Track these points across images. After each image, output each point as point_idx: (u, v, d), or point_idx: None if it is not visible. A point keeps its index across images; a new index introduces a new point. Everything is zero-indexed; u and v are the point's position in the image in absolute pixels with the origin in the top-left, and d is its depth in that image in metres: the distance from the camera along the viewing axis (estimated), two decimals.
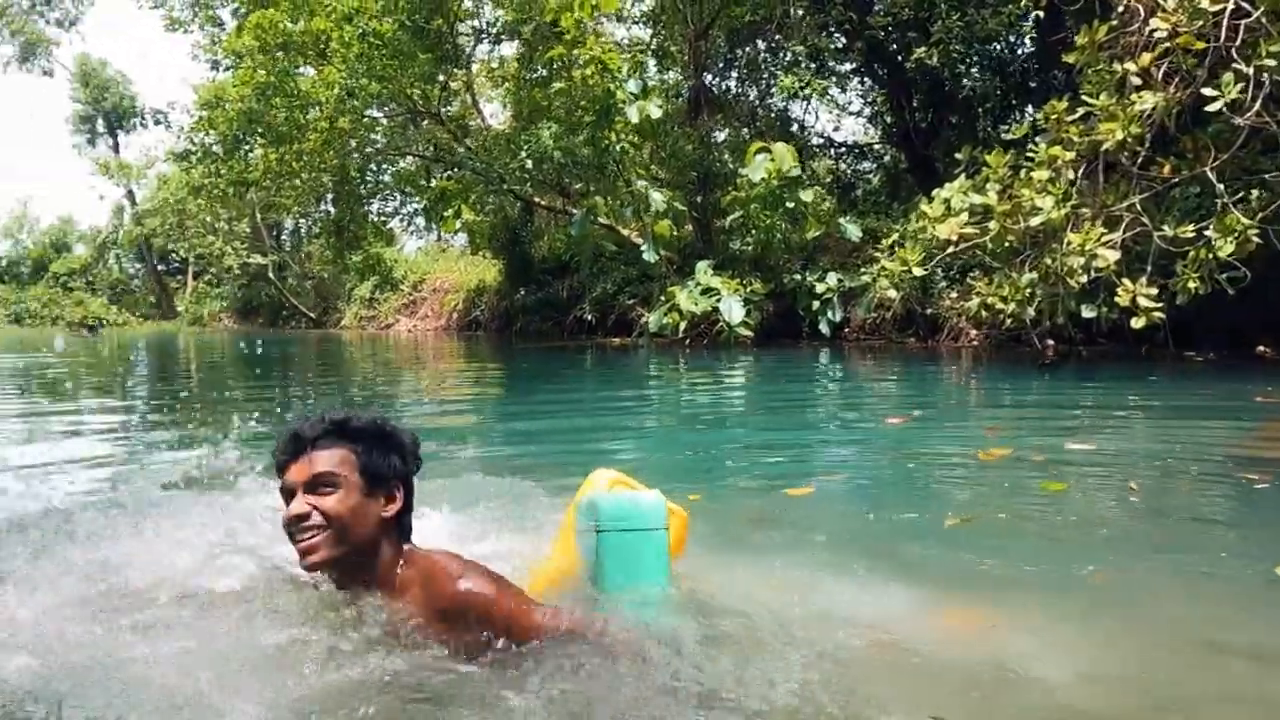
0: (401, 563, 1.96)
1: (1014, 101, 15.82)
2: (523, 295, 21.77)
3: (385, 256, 28.20)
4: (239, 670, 1.77)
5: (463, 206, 19.98)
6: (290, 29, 15.42)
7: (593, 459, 4.93)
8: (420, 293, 28.40)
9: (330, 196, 25.02)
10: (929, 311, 13.09)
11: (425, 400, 9.17)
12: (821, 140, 20.33)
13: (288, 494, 1.93)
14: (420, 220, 29.34)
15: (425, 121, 19.88)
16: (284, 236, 37.94)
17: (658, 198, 14.85)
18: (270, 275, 34.46)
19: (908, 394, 8.63)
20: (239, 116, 15.64)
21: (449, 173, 19.76)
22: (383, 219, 26.68)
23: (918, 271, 10.65)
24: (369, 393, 10.05)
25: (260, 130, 16.35)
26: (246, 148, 17.31)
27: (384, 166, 22.85)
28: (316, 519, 1.87)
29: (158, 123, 39.02)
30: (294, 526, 1.89)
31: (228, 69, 17.20)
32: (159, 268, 41.59)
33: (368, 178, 21.68)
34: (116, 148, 41.27)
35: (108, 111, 40.37)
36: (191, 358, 18.04)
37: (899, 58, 15.62)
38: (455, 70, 18.94)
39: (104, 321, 37.25)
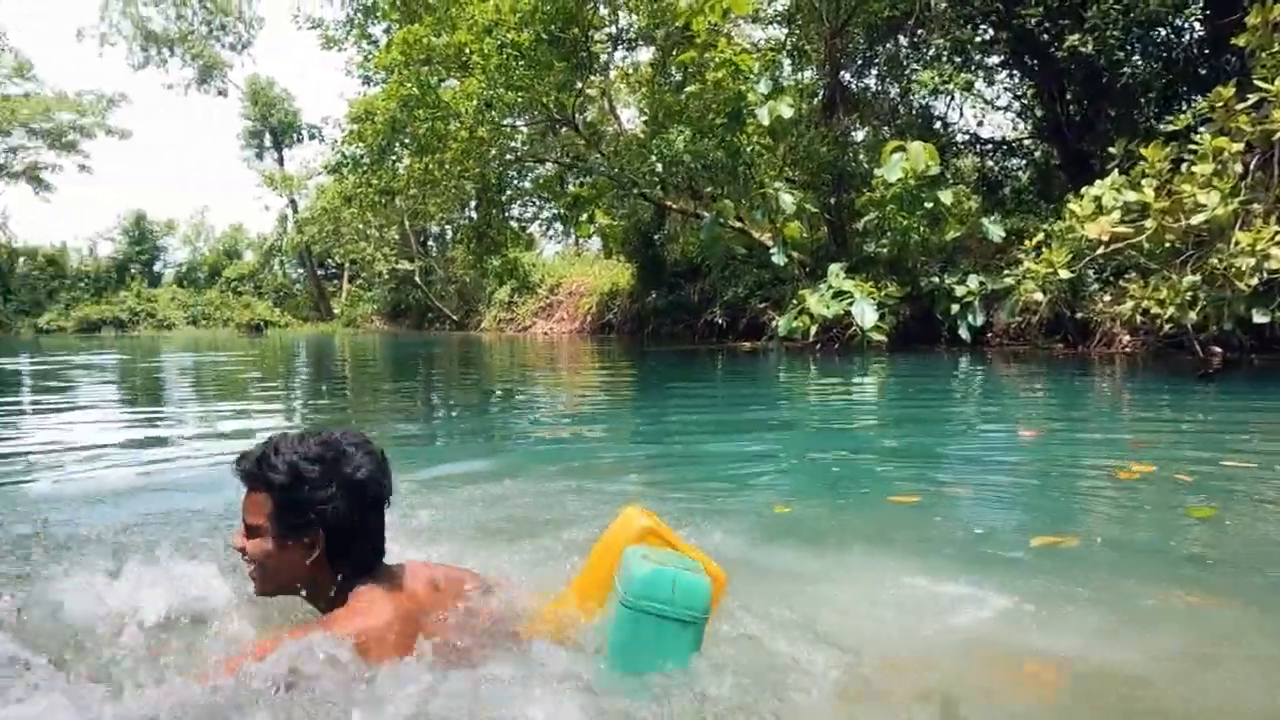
0: (348, 594, 1.87)
1: (1180, 90, 14.69)
2: (654, 298, 21.89)
3: (523, 261, 28.96)
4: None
5: (596, 211, 20.30)
6: (434, 43, 16.05)
7: (708, 462, 4.89)
8: (556, 296, 29.02)
9: (472, 203, 25.92)
10: (1078, 315, 12.31)
11: (555, 400, 9.34)
12: (966, 137, 19.51)
13: None
14: (557, 225, 30.05)
15: (562, 129, 20.29)
16: (430, 242, 39.60)
17: (788, 199, 14.61)
18: (417, 279, 36.04)
19: (1051, 403, 8.13)
20: (386, 128, 16.40)
21: (584, 179, 20.10)
22: (521, 224, 27.46)
23: (1065, 274, 10.05)
24: (504, 391, 10.35)
25: (405, 141, 17.10)
26: (393, 158, 18.15)
27: (522, 173, 23.50)
28: (247, 559, 1.91)
29: (313, 137, 41.65)
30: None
31: (378, 84, 18.11)
32: (318, 272, 44.22)
33: (507, 185, 22.33)
34: (281, 161, 44.18)
35: (273, 127, 43.29)
36: (346, 356, 19.08)
37: (1050, 47, 14.78)
38: (591, 77, 19.25)
39: (268, 323, 39.92)
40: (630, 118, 24.03)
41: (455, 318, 34.51)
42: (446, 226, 36.43)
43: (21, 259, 42.37)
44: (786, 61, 18.94)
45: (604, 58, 20.48)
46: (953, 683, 1.94)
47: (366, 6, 19.42)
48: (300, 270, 45.29)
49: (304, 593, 1.93)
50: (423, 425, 7.51)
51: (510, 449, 5.87)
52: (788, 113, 14.08)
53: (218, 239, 46.85)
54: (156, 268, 45.41)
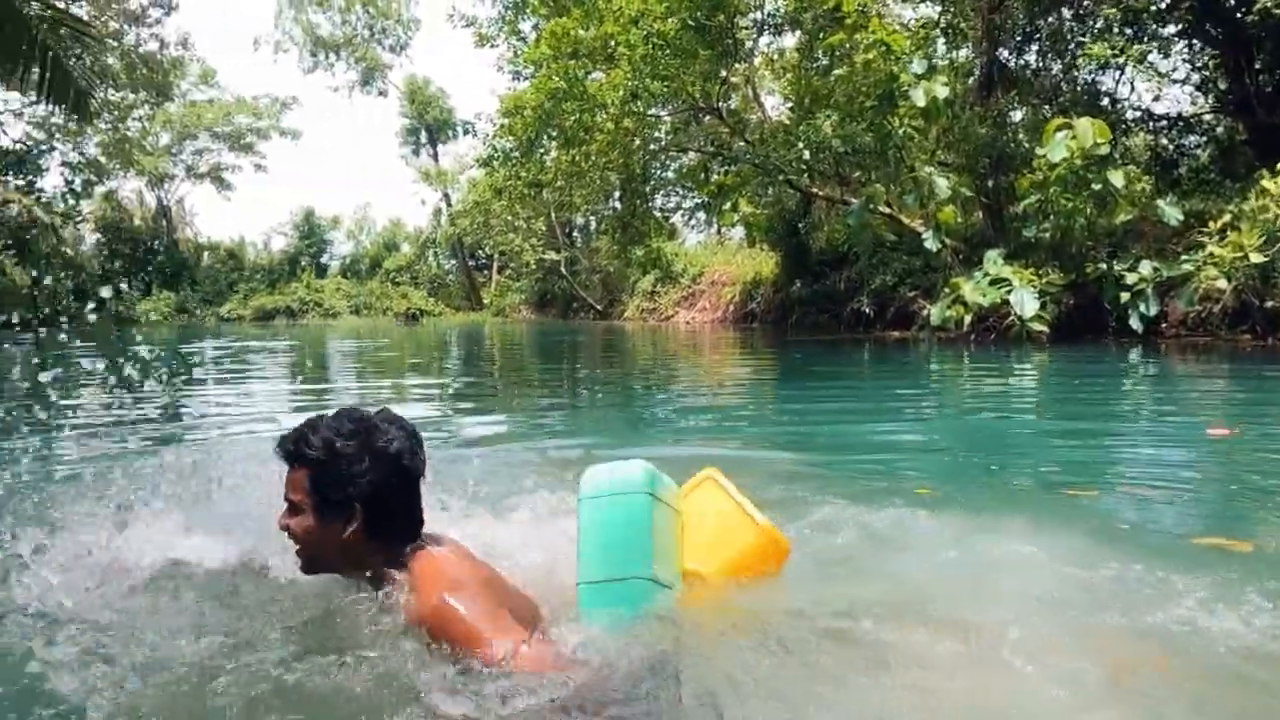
0: (390, 566, 1.94)
1: None
2: (799, 287, 21.54)
3: (665, 250, 29.09)
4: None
5: (740, 199, 20.15)
6: (580, 36, 16.32)
7: (855, 456, 4.77)
8: (699, 285, 29.02)
9: (617, 194, 26.26)
10: (1269, 304, 11.27)
11: (698, 387, 9.33)
12: (1137, 114, 18.19)
13: None
14: (700, 214, 30.02)
15: (706, 117, 20.24)
16: (575, 233, 40.39)
17: (942, 183, 14.05)
18: (562, 270, 36.85)
19: (1238, 399, 7.49)
20: (534, 122, 16.80)
21: (727, 167, 19.98)
22: (664, 214, 27.60)
23: (1256, 258, 9.23)
24: (646, 378, 10.44)
25: (552, 134, 17.48)
26: (541, 151, 18.60)
27: (666, 163, 23.59)
28: (292, 537, 1.98)
29: (466, 132, 43.19)
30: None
31: (526, 79, 18.58)
32: (469, 263, 45.92)
33: (650, 175, 22.47)
34: (435, 157, 46.08)
35: (429, 124, 45.19)
36: (494, 343, 19.76)
37: (1238, 13, 13.58)
38: (735, 65, 19.10)
39: (423, 312, 41.80)
40: (775, 105, 23.72)
41: (599, 307, 35.09)
42: (591, 217, 37.08)
43: (206, 253, 45.95)
44: (940, 40, 18.20)
45: (749, 44, 20.27)
46: (1089, 668, 1.87)
47: (517, 3, 19.98)
48: (453, 261, 47.13)
49: (347, 569, 2.00)
50: (567, 409, 7.67)
51: (654, 434, 5.90)
52: (943, 93, 13.52)
53: (378, 233, 49.31)
54: (324, 260, 48.22)
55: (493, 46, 20.89)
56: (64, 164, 34.64)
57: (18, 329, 31.41)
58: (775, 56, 21.91)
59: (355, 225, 49.54)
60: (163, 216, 45.00)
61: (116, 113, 37.62)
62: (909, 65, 13.88)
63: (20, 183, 29.36)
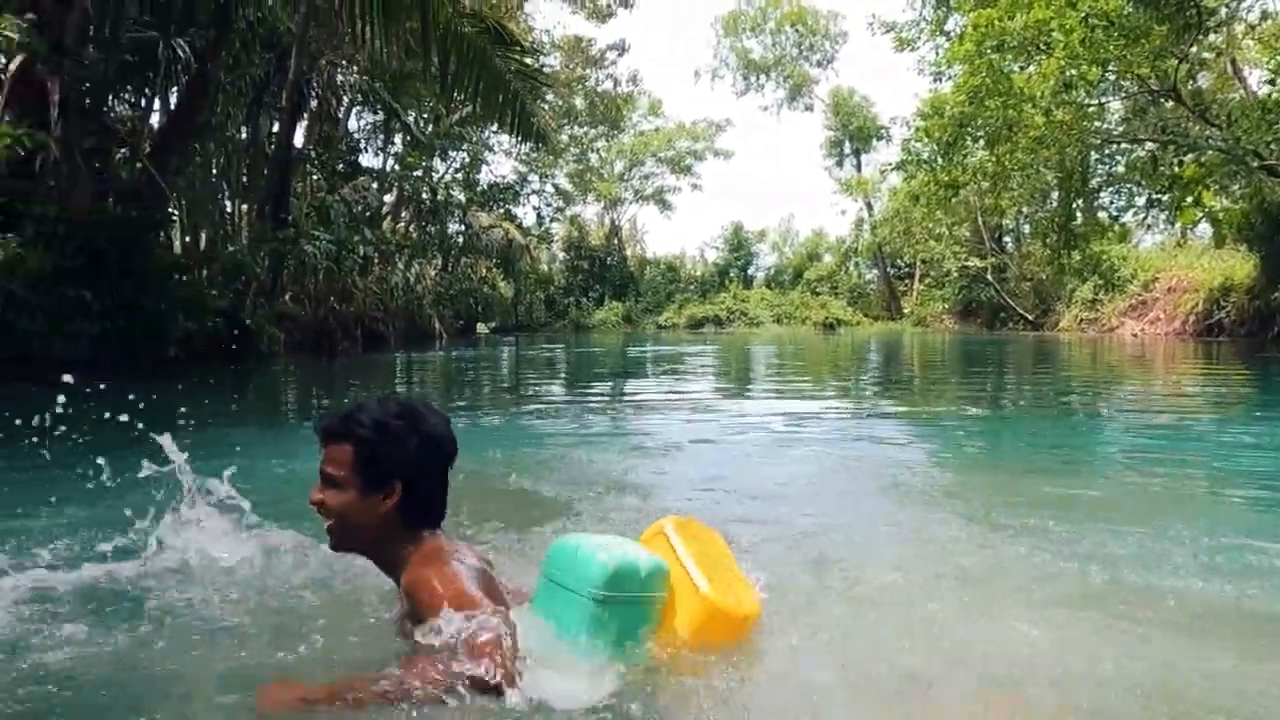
0: (411, 548, 2.01)
1: None
2: None
3: (1110, 254, 26.08)
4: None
5: (1204, 193, 17.47)
6: (1007, 26, 15.31)
7: None
8: (1151, 293, 25.58)
9: (1054, 194, 24.14)
10: None
11: (1147, 408, 8.34)
12: None
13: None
14: (1154, 212, 26.41)
15: (1165, 101, 17.83)
16: (1004, 238, 37.84)
17: None
18: (989, 277, 34.69)
19: None
20: (952, 123, 16.12)
21: (1184, 157, 17.40)
22: (1113, 214, 24.74)
23: None
24: (1084, 395, 9.56)
25: (973, 134, 16.63)
26: (963, 153, 17.76)
27: (1112, 156, 21.20)
28: (326, 510, 2.03)
29: (880, 138, 42.58)
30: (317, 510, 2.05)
31: (948, 79, 17.90)
32: (890, 272, 45.23)
33: (1093, 171, 20.34)
34: (859, 166, 46.11)
35: (852, 134, 45.39)
36: (913, 353, 19.33)
37: None
38: (1201, 37, 16.57)
39: (840, 321, 42.04)
40: (1256, 79, 20.13)
41: (1030, 317, 32.49)
42: (1023, 221, 34.46)
43: (648, 267, 50.77)
44: None
45: (1223, 11, 17.46)
46: None
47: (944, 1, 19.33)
48: (874, 270, 46.76)
49: (376, 548, 2.05)
50: (990, 421, 7.34)
51: (1092, 458, 5.43)
52: None
53: (801, 244, 50.60)
54: (750, 271, 50.70)
55: (913, 49, 20.44)
56: (532, 192, 40.38)
57: (500, 332, 37.51)
58: (1257, 23, 18.58)
59: (780, 237, 51.38)
60: (614, 235, 50.56)
61: (580, 147, 43.23)
62: None
63: (505, 211, 34.97)
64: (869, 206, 43.75)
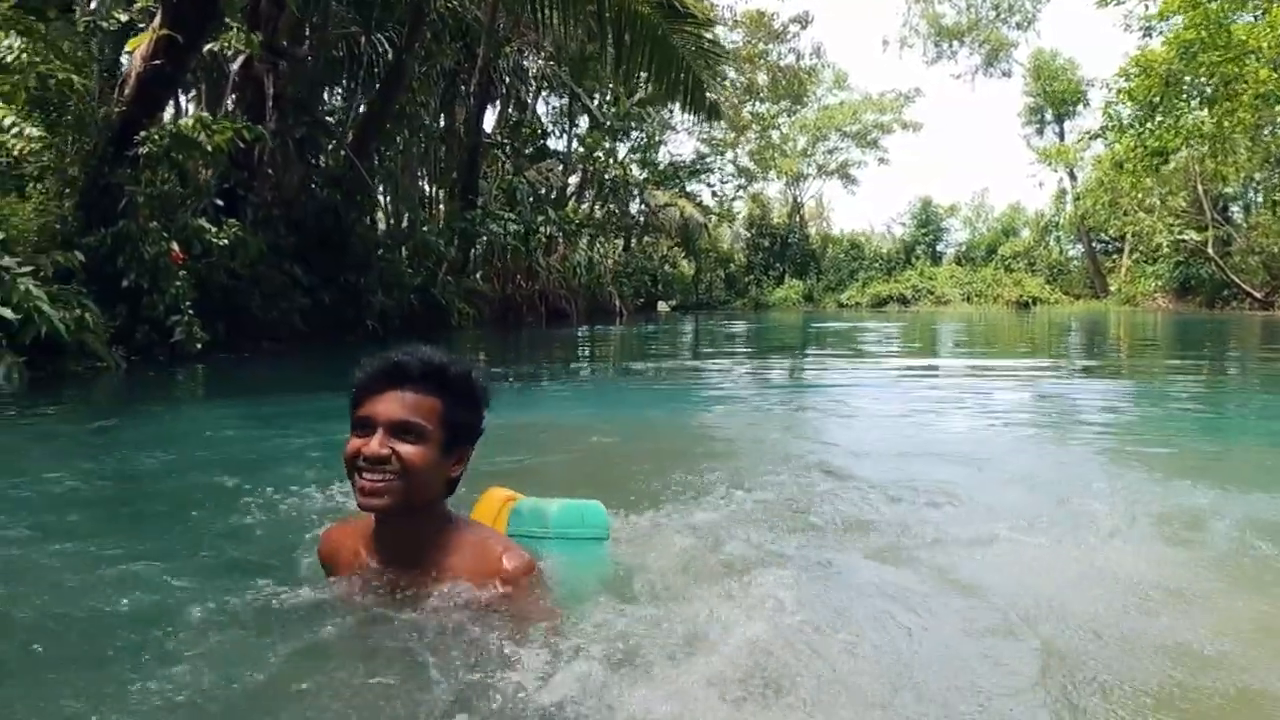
0: (448, 524, 1.88)
1: None
2: None
3: None
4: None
5: None
6: None
7: None
8: None
9: None
10: None
11: None
12: None
13: (367, 427, 1.78)
14: None
15: None
16: (1230, 208, 34.28)
17: None
18: (1209, 251, 31.54)
19: None
20: (1157, 83, 14.78)
21: None
22: None
23: None
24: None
25: (1184, 93, 15.18)
26: (1176, 115, 16.24)
27: None
28: (394, 465, 1.75)
29: (1083, 103, 39.51)
30: (366, 464, 1.76)
31: (1159, 34, 16.38)
32: (1094, 247, 42.06)
33: None
34: (1061, 134, 43.04)
35: (1054, 100, 42.38)
36: (1120, 334, 18.00)
37: None
38: None
39: (1036, 299, 39.54)
40: None
41: (1258, 295, 29.35)
42: (1253, 189, 31.10)
43: (831, 245, 49.71)
44: None
45: None
46: None
47: None
48: (1075, 246, 43.64)
49: (424, 514, 1.84)
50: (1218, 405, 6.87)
51: None
52: None
53: (995, 218, 47.85)
54: (939, 248, 48.54)
55: (1118, 3, 18.81)
56: (711, 170, 40.37)
57: (679, 310, 37.99)
58: None
59: (972, 212, 48.85)
60: (796, 212, 49.81)
61: (763, 123, 42.83)
62: None
63: (682, 189, 35.29)
64: (1071, 176, 40.76)
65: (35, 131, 8.01)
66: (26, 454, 4.31)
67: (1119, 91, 16.00)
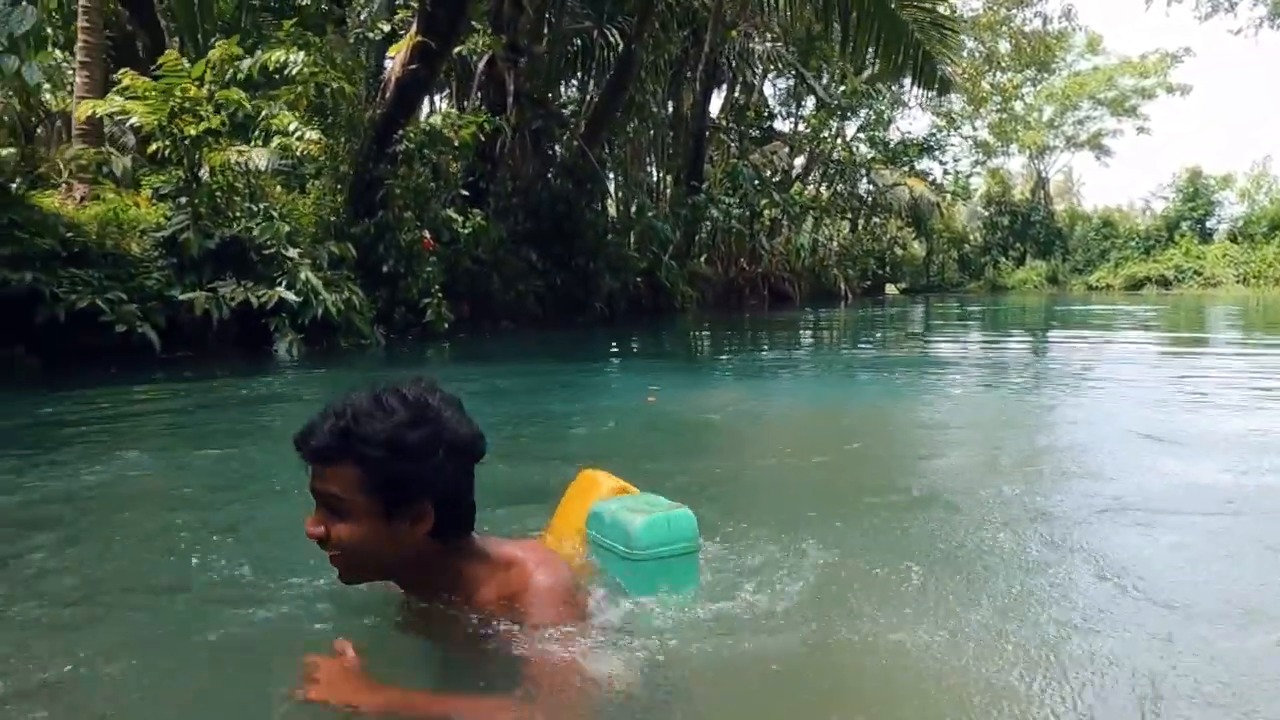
0: (459, 563, 1.67)
1: None
2: None
3: None
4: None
5: None
6: None
7: None
8: None
9: None
10: None
11: None
12: None
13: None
14: None
15: None
16: None
17: None
18: None
19: None
20: None
21: None
22: None
23: None
24: None
25: None
26: None
27: None
28: (333, 544, 1.59)
29: None
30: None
31: None
32: None
33: None
34: None
35: None
36: None
37: None
38: None
39: None
40: None
41: None
42: None
43: (1080, 222, 45.91)
44: None
45: None
46: None
47: None
48: None
49: (406, 574, 1.68)
50: None
51: None
52: None
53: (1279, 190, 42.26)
54: (1209, 224, 43.51)
55: None
56: (943, 146, 38.27)
57: (909, 293, 36.55)
58: None
59: (1250, 183, 43.29)
60: (1040, 188, 46.46)
61: (1004, 94, 40.21)
62: None
63: (911, 167, 33.86)
64: None
65: (315, 135, 9.08)
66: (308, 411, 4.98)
67: None
